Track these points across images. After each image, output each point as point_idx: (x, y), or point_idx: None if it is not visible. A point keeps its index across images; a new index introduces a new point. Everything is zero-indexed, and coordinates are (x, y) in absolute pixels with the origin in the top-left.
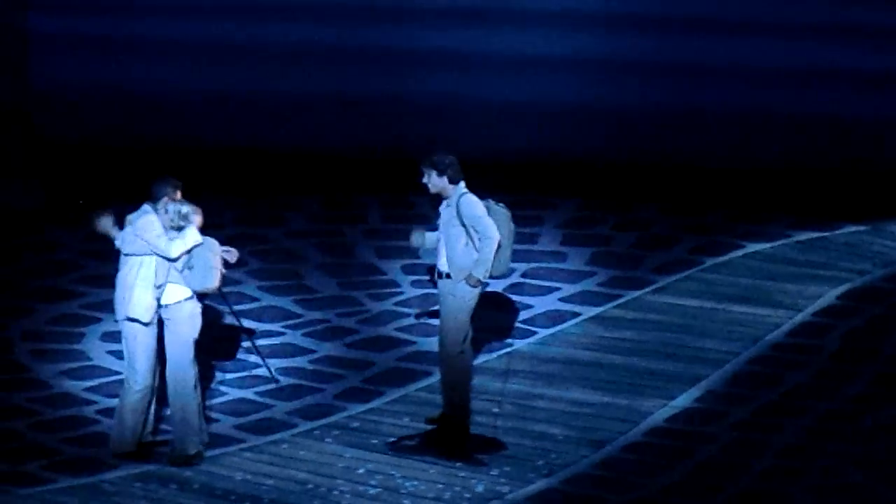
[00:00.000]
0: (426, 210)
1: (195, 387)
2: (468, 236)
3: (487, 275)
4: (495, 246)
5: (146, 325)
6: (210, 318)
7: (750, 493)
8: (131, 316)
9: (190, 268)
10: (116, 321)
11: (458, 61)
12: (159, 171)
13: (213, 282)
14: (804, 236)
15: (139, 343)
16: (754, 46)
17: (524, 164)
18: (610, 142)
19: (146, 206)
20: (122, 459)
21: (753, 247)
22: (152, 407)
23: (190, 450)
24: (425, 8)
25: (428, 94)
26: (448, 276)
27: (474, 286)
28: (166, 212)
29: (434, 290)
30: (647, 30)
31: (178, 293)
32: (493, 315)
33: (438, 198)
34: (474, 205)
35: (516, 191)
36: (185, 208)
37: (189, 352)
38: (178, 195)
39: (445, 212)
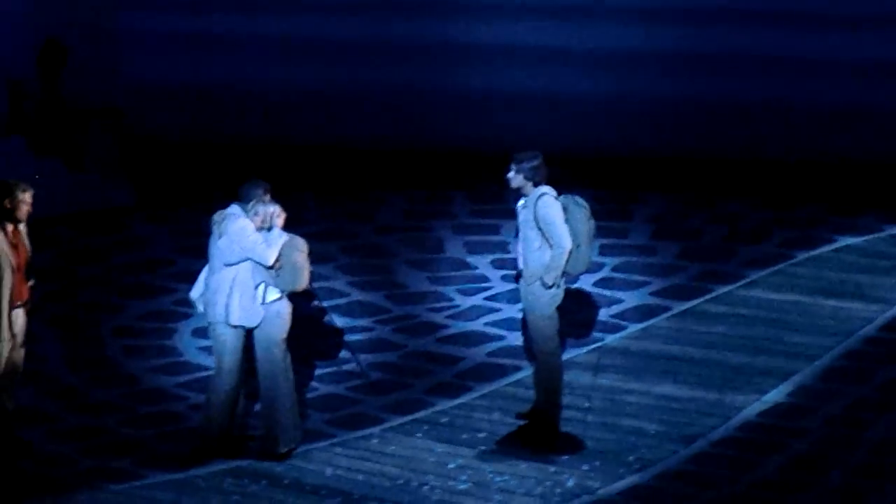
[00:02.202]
0: (515, 205)
1: (285, 384)
2: (543, 238)
3: (557, 281)
4: (566, 256)
5: (248, 329)
6: (300, 314)
7: (843, 488)
8: (235, 323)
9: (279, 269)
10: (208, 322)
11: (549, 56)
12: (249, 168)
13: (303, 281)
14: None
15: (228, 344)
16: (849, 40)
17: (615, 158)
18: (699, 136)
19: (235, 207)
20: (211, 455)
21: (845, 240)
22: (240, 404)
23: (279, 447)
24: (513, 2)
25: (520, 89)
26: None
27: (547, 289)
28: (256, 213)
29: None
30: (737, 23)
31: (269, 294)
32: (583, 310)
33: (519, 191)
34: (550, 209)
35: (606, 185)
36: (272, 208)
37: (278, 350)
38: (268, 198)
39: (523, 212)
